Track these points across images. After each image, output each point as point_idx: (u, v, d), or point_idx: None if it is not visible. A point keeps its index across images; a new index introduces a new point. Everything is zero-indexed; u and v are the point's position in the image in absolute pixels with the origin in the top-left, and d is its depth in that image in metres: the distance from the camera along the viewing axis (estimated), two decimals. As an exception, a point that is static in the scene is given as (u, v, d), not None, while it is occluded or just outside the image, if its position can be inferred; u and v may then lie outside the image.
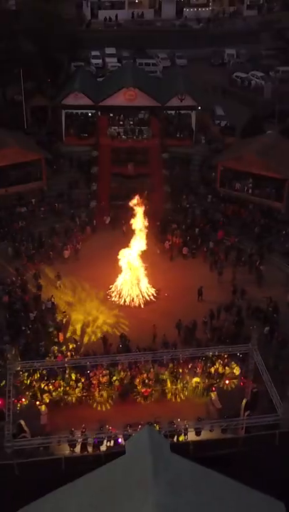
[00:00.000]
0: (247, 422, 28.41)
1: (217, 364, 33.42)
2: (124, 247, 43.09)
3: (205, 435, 29.91)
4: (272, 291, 42.18)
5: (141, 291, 42.42)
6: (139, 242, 42.62)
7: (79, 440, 30.07)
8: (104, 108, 59.20)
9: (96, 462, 25.27)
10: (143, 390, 33.87)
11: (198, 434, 29.03)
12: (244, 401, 30.62)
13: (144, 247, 42.56)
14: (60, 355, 35.75)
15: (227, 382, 33.49)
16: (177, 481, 23.31)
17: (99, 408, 33.49)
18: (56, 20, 64.22)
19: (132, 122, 61.38)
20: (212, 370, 33.43)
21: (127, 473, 23.71)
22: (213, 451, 27.01)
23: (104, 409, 33.45)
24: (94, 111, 59.69)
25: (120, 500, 23.02)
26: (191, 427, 29.03)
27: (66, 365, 33.80)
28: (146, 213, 48.93)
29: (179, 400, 33.74)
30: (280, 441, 27.54)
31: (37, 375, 33.83)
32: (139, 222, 42.84)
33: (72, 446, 30.13)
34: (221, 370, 33.12)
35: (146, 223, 44.88)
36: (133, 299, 42.18)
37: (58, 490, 24.01)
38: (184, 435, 29.21)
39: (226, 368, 33.47)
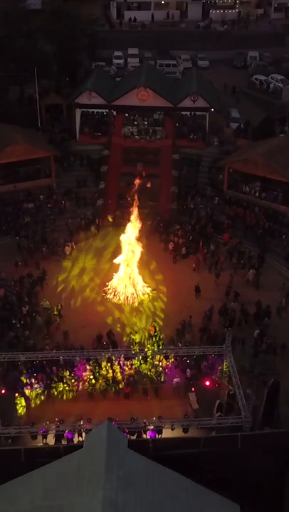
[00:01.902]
0: (209, 423, 28.23)
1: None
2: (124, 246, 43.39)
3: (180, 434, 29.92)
4: (268, 295, 41.87)
5: (136, 290, 42.55)
6: (135, 241, 42.77)
7: (40, 432, 30.10)
8: (117, 107, 59.43)
9: (55, 455, 25.44)
10: (125, 389, 34.03)
11: (159, 432, 28.99)
12: (217, 402, 30.48)
13: (140, 246, 42.73)
14: (47, 347, 36.14)
15: (207, 383, 33.32)
16: (129, 477, 23.52)
17: (80, 403, 33.71)
18: (76, 21, 64.66)
19: (146, 122, 61.65)
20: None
21: (81, 467, 24.07)
22: (173, 450, 26.95)
23: (85, 404, 33.62)
24: (107, 110, 59.95)
25: (72, 493, 23.36)
26: (150, 425, 28.99)
27: (50, 358, 34.11)
28: (151, 213, 49.98)
29: (159, 399, 33.78)
30: (242, 444, 27.28)
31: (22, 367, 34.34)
32: (136, 221, 43.01)
33: (44, 438, 30.41)
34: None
35: (147, 222, 45.69)
36: (127, 297, 42.34)
37: (13, 481, 24.39)
38: (144, 433, 29.19)
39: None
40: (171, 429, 28.41)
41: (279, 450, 27.36)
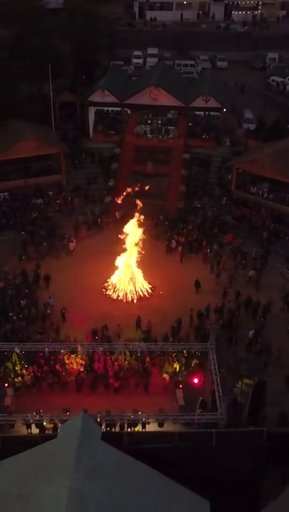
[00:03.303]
0: (184, 418, 28.32)
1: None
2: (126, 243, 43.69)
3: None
4: (267, 296, 41.71)
5: (135, 287, 42.80)
6: (135, 238, 43.01)
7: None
8: (130, 106, 59.78)
9: (32, 444, 25.81)
10: (114, 383, 34.29)
11: (134, 425, 29.20)
12: (200, 399, 30.54)
13: (139, 243, 42.97)
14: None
15: (196, 381, 33.39)
16: (99, 468, 23.77)
17: (69, 396, 34.06)
18: (94, 20, 65.23)
19: (160, 122, 61.87)
20: (176, 366, 33.46)
21: (53, 457, 24.39)
22: (148, 444, 27.10)
23: (73, 397, 33.94)
24: (120, 108, 60.35)
25: (41, 482, 23.69)
26: (127, 418, 29.20)
27: (45, 349, 34.60)
28: (156, 211, 50.15)
29: (149, 394, 33.97)
30: (217, 441, 27.28)
31: (15, 358, 34.86)
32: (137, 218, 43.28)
33: (29, 428, 30.87)
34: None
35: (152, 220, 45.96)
36: (126, 294, 42.60)
37: (-15, 468, 24.72)
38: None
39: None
40: (146, 424, 28.63)
41: (254, 449, 27.30)
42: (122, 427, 29.46)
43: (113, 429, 29.73)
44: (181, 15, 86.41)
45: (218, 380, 30.00)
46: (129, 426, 29.39)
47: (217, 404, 28.75)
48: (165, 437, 27.81)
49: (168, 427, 29.08)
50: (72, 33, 63.47)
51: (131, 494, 23.40)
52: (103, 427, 28.96)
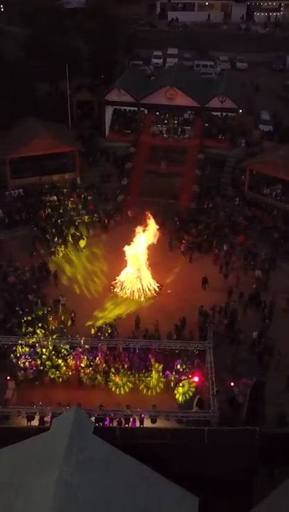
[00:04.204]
0: (176, 415, 28.42)
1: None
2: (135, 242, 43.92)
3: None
4: (274, 297, 41.62)
5: (142, 286, 42.99)
6: (146, 236, 43.21)
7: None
8: (146, 105, 60.09)
9: (26, 435, 26.15)
10: (116, 378, 34.54)
11: (126, 421, 29.40)
12: (196, 397, 30.66)
13: (151, 242, 43.16)
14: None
15: (196, 379, 33.46)
16: (89, 461, 24.05)
17: (70, 391, 34.39)
18: (113, 20, 65.66)
19: (176, 122, 62.11)
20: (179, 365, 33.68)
21: (44, 449, 24.72)
22: (140, 439, 27.27)
23: (75, 392, 34.25)
24: (136, 108, 60.70)
25: (32, 473, 24.04)
26: (119, 414, 29.42)
27: (45, 343, 35.00)
28: (168, 211, 50.32)
29: (149, 392, 34.13)
30: (209, 438, 27.34)
31: (19, 351, 35.35)
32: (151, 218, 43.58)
33: (29, 421, 31.29)
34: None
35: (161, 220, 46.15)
36: (134, 292, 42.83)
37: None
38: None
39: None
40: (140, 420, 28.85)
41: (247, 448, 27.30)
42: (119, 422, 29.66)
43: (111, 424, 29.96)
44: (208, 15, 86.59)
45: (214, 378, 30.08)
46: (127, 422, 29.58)
47: (210, 403, 28.80)
48: (158, 434, 27.95)
49: (164, 424, 29.22)
50: (90, 32, 63.89)
51: (120, 488, 23.64)
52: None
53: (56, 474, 23.00)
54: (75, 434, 24.40)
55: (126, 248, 43.10)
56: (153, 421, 29.49)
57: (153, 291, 43.14)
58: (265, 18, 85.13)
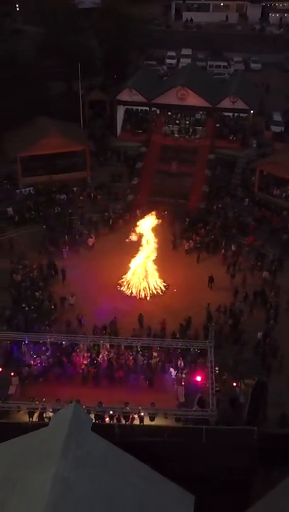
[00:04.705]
0: (175, 413, 28.48)
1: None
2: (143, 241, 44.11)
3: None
4: (279, 299, 41.61)
5: (148, 285, 43.13)
6: (152, 235, 43.40)
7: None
8: (157, 105, 60.24)
9: (25, 431, 26.40)
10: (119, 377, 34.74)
11: (126, 419, 29.57)
12: (197, 396, 30.73)
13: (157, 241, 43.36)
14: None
15: (199, 378, 33.52)
16: (86, 457, 24.24)
17: (74, 388, 34.57)
18: (127, 20, 65.85)
19: (188, 122, 62.19)
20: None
21: (42, 444, 24.91)
22: (139, 437, 27.40)
23: (78, 389, 34.42)
24: (148, 108, 60.87)
25: (30, 467, 24.27)
26: (117, 411, 29.59)
27: (48, 340, 35.29)
28: (176, 211, 50.44)
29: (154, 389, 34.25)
30: (207, 437, 27.38)
31: (24, 348, 35.68)
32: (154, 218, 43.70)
33: (31, 416, 31.57)
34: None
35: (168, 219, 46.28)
36: (140, 291, 42.98)
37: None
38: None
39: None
40: (138, 417, 29.01)
41: (245, 448, 27.31)
42: (118, 419, 29.86)
43: (111, 421, 30.17)
44: (226, 16, 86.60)
45: (214, 378, 30.14)
46: (126, 419, 29.78)
47: (209, 401, 28.88)
48: (156, 431, 28.09)
49: (163, 422, 29.36)
50: (104, 32, 64.16)
51: (116, 485, 23.78)
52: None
53: (53, 469, 23.20)
54: (73, 430, 24.60)
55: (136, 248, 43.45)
56: (151, 419, 29.63)
57: (159, 290, 43.30)
58: (279, 19, 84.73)
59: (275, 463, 28.85)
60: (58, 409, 28.00)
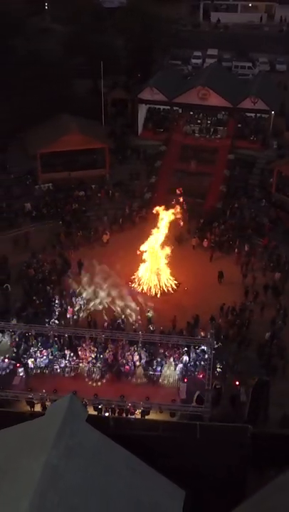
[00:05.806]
0: (170, 408, 28.58)
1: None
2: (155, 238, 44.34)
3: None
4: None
5: (159, 282, 43.31)
6: (165, 233, 43.59)
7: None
8: (178, 105, 60.38)
9: (22, 420, 26.81)
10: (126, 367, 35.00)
11: (120, 412, 29.78)
12: (196, 393, 30.81)
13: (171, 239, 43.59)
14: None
15: (201, 376, 33.59)
16: (78, 448, 24.48)
17: (78, 381, 34.95)
18: (152, 20, 66.12)
19: (209, 122, 62.21)
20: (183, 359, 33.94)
21: (37, 433, 25.23)
22: (133, 430, 27.59)
23: (81, 383, 34.79)
24: (169, 107, 61.08)
25: (23, 456, 24.61)
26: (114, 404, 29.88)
27: (55, 333, 35.75)
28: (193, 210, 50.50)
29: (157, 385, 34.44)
30: (201, 433, 27.41)
31: (31, 340, 36.22)
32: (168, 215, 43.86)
33: (32, 407, 32.05)
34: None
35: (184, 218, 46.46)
36: (150, 287, 43.19)
37: None
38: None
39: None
40: (133, 411, 29.23)
41: (238, 446, 27.25)
42: (113, 411, 30.19)
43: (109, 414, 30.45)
44: (261, 17, 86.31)
45: (211, 375, 30.18)
46: (121, 412, 30.07)
47: (205, 398, 28.94)
48: (151, 425, 28.26)
49: (158, 417, 29.50)
50: (127, 31, 64.53)
51: (106, 477, 23.99)
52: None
53: (44, 458, 23.51)
54: (67, 420, 24.87)
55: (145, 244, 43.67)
56: (146, 413, 29.81)
57: (170, 288, 43.44)
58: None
59: (272, 462, 28.74)
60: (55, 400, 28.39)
